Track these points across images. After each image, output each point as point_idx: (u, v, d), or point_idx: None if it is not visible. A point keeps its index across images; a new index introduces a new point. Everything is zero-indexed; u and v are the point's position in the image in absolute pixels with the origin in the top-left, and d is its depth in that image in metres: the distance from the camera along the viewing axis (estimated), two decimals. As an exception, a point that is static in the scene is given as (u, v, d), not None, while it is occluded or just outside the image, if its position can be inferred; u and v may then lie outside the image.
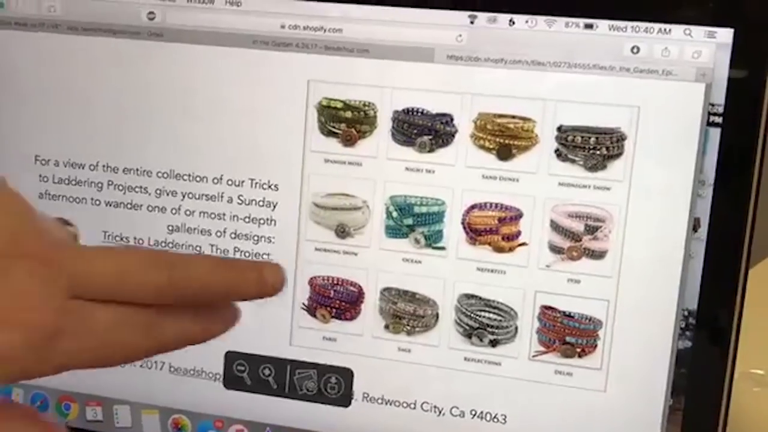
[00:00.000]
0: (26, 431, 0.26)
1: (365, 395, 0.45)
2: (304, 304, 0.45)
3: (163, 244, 0.45)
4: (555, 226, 0.42)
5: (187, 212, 0.45)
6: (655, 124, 0.40)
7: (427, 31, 0.42)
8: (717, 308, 0.41)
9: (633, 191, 0.40)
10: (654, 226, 0.40)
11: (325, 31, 0.42)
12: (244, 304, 0.45)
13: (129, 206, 0.46)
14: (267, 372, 0.45)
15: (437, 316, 0.43)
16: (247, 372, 0.46)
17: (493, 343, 0.43)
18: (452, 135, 0.42)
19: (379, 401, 0.45)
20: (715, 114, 0.39)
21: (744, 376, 0.54)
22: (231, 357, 0.46)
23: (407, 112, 0.42)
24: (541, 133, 0.41)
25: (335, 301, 0.44)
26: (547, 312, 0.42)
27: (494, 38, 0.41)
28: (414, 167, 0.43)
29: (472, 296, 0.43)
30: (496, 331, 0.43)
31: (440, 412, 0.44)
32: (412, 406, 0.44)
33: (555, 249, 0.42)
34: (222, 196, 0.45)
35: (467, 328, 0.43)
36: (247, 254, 0.45)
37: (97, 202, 0.46)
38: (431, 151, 0.42)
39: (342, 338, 0.45)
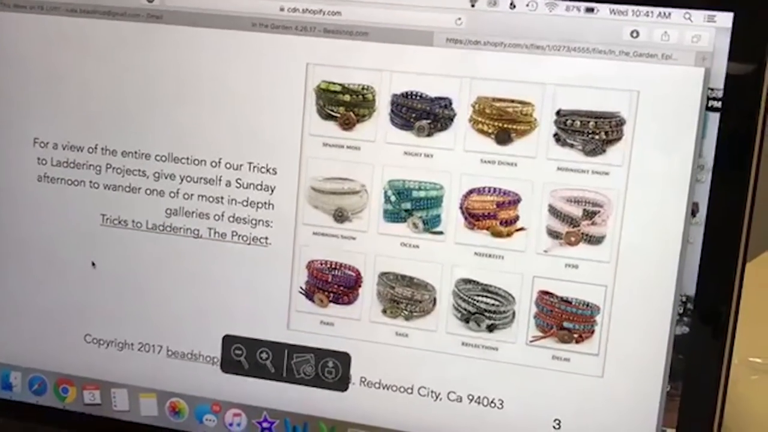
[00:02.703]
0: None
1: (363, 380, 0.45)
2: (301, 288, 0.45)
3: (161, 228, 0.45)
4: (553, 211, 0.41)
5: (186, 196, 0.45)
6: (655, 108, 0.40)
7: (426, 14, 0.41)
8: (715, 294, 0.40)
9: (632, 176, 0.40)
10: (652, 211, 0.40)
11: (324, 13, 0.42)
12: (242, 288, 0.45)
13: (127, 189, 0.46)
14: (264, 356, 0.45)
15: (435, 300, 0.43)
16: (244, 356, 0.46)
17: (491, 328, 0.43)
18: (451, 119, 0.42)
19: (377, 386, 0.44)
20: (714, 98, 0.39)
21: (742, 363, 0.54)
22: (228, 341, 0.46)
23: (406, 95, 0.42)
24: (540, 117, 0.41)
25: (333, 285, 0.44)
26: (544, 297, 0.42)
27: (494, 22, 0.41)
28: (412, 151, 0.42)
29: (470, 281, 0.43)
30: (494, 316, 0.43)
31: (437, 397, 0.44)
32: (410, 390, 0.44)
33: (553, 234, 0.42)
34: (220, 180, 0.45)
35: (465, 312, 0.43)
36: (244, 238, 0.45)
37: (96, 185, 0.46)
38: (430, 135, 0.42)
39: (340, 322, 0.44)
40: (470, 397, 0.44)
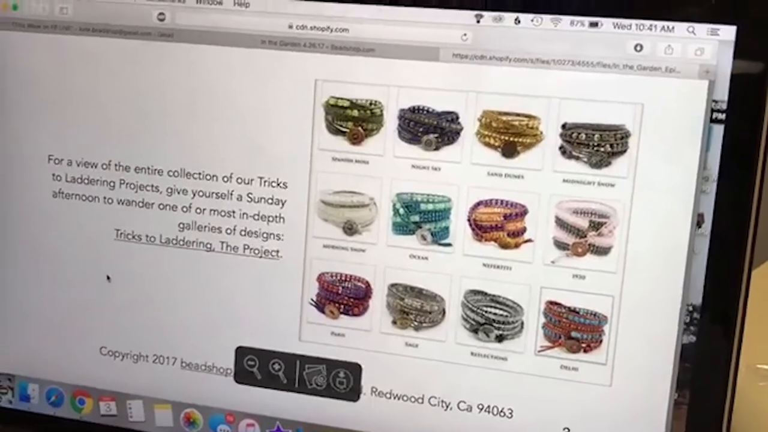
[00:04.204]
0: None
1: (373, 390, 0.45)
2: (312, 300, 0.45)
3: (174, 242, 0.46)
4: (560, 223, 0.42)
5: (198, 210, 0.46)
6: (659, 121, 0.40)
7: (432, 30, 0.42)
8: (721, 303, 0.41)
9: (637, 187, 0.41)
10: (658, 222, 0.41)
11: (331, 30, 0.43)
12: (254, 300, 0.46)
13: (141, 204, 0.46)
14: (277, 367, 0.46)
15: (444, 311, 0.44)
16: (257, 367, 0.46)
17: (499, 339, 0.43)
18: (458, 133, 0.42)
19: (387, 396, 0.45)
20: (718, 111, 0.39)
21: (750, 370, 0.54)
22: (241, 352, 0.46)
23: (413, 110, 0.43)
24: (545, 130, 0.41)
25: (343, 297, 0.45)
26: (552, 307, 0.43)
27: (500, 37, 0.41)
28: (420, 165, 0.43)
29: (479, 292, 0.43)
30: (502, 326, 0.43)
31: (447, 407, 0.44)
32: (420, 400, 0.45)
33: (560, 245, 0.42)
34: (232, 194, 0.45)
35: (473, 323, 0.43)
36: (256, 251, 0.45)
37: (110, 201, 0.47)
38: (437, 148, 0.43)
39: (350, 334, 0.45)
40: (480, 407, 0.44)
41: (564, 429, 0.43)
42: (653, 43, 0.40)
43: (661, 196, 0.41)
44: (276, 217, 0.45)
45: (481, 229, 0.43)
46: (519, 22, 0.41)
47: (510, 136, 0.42)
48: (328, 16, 0.43)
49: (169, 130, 0.46)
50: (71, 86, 0.46)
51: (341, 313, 0.45)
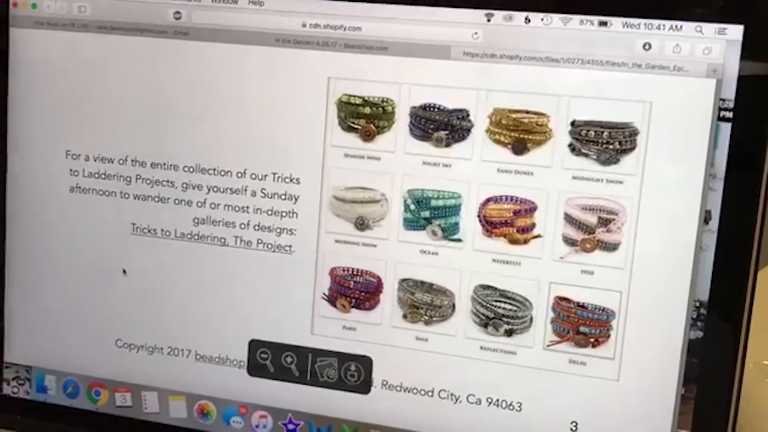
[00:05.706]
0: None
1: (384, 383, 0.46)
2: (324, 294, 0.46)
3: (189, 236, 0.47)
4: (569, 219, 0.42)
5: (212, 205, 0.47)
6: (667, 119, 0.41)
7: (444, 29, 0.43)
8: (728, 299, 0.41)
9: (645, 184, 0.41)
10: (666, 218, 0.41)
11: (344, 29, 0.44)
12: (267, 294, 0.46)
13: (156, 199, 0.47)
14: (289, 360, 0.47)
15: (454, 306, 0.44)
16: (270, 360, 0.47)
17: (509, 333, 0.44)
18: (468, 130, 0.43)
19: (398, 388, 0.46)
20: (725, 109, 0.40)
21: (756, 367, 0.54)
22: (255, 345, 0.47)
23: (424, 107, 0.43)
24: (555, 127, 0.42)
25: (355, 291, 0.45)
26: (561, 303, 0.43)
27: (510, 35, 0.42)
28: (431, 161, 0.44)
29: (488, 287, 0.44)
30: (512, 321, 0.44)
31: (457, 400, 0.45)
32: (430, 393, 0.45)
33: (569, 241, 0.43)
34: (246, 190, 0.46)
35: (483, 318, 0.44)
36: (269, 246, 0.46)
37: (126, 196, 0.48)
38: (448, 145, 0.43)
39: (361, 327, 0.46)
40: (489, 400, 0.45)
41: (572, 423, 0.44)
42: (661, 42, 0.40)
43: (669, 193, 0.41)
44: (289, 212, 0.46)
45: (491, 225, 0.43)
46: (529, 21, 0.42)
47: (520, 133, 0.42)
48: (341, 15, 0.44)
49: (184, 126, 0.46)
50: (88, 83, 0.47)
51: (353, 307, 0.46)
